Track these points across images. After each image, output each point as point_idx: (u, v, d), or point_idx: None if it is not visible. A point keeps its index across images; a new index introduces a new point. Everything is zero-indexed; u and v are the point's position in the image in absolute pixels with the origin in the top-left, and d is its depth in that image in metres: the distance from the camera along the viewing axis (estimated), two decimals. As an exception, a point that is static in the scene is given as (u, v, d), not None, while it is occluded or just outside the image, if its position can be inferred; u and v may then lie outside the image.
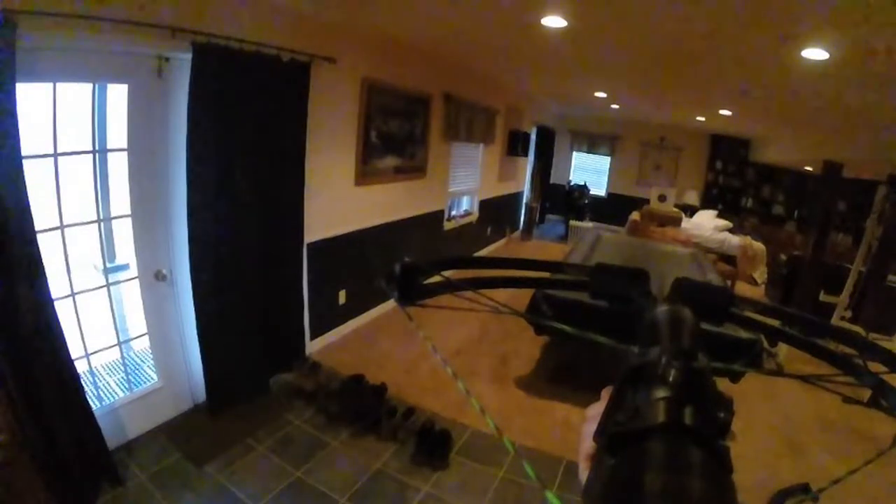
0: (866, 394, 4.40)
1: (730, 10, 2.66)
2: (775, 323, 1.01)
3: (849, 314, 5.17)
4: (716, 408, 0.54)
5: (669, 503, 0.41)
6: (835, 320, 4.96)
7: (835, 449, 3.73)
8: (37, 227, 2.19)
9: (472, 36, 4.30)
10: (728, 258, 7.91)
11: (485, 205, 8.18)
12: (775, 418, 4.09)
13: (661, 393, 0.54)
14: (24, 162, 2.09)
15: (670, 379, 0.55)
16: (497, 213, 8.90)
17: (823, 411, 4.27)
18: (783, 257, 7.15)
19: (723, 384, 3.96)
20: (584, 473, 0.55)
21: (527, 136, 9.44)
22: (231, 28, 2.96)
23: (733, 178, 11.17)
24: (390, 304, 5.56)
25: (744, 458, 3.46)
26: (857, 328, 4.67)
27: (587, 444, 0.57)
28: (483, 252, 8.52)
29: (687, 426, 0.49)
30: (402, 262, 1.06)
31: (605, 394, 0.64)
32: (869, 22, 2.37)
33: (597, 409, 0.62)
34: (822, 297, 5.52)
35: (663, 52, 3.85)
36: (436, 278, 1.04)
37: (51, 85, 2.37)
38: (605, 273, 0.99)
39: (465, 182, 7.43)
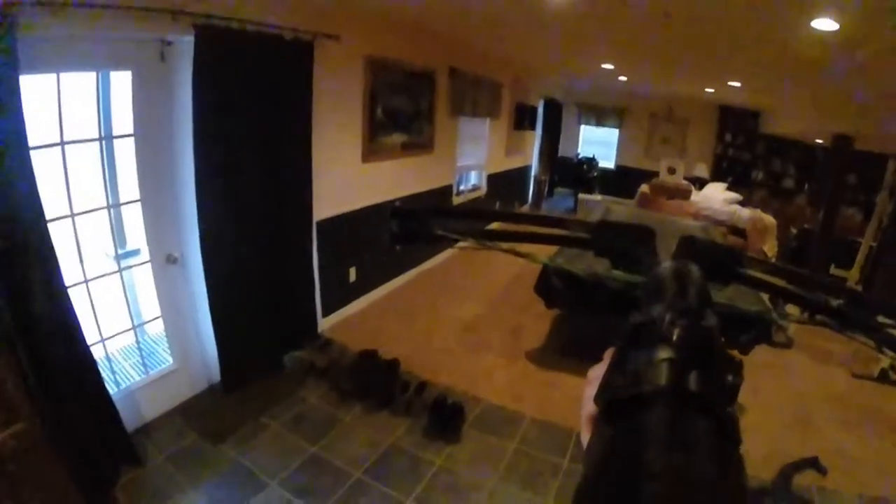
0: (876, 368, 4.41)
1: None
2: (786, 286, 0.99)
3: (860, 288, 5.15)
4: (723, 371, 0.51)
5: (669, 486, 0.39)
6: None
7: (844, 423, 3.74)
8: (48, 216, 2.20)
9: (475, 8, 4.23)
10: (738, 231, 7.85)
11: (493, 179, 8.15)
12: (784, 392, 4.10)
13: (664, 354, 0.50)
14: (32, 153, 2.10)
15: (674, 338, 0.51)
16: (505, 187, 8.87)
17: (832, 386, 4.28)
18: (793, 230, 7.10)
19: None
20: (585, 437, 0.53)
21: (534, 110, 9.34)
22: (232, 8, 2.92)
23: (743, 151, 11.00)
24: (400, 280, 5.60)
25: (753, 432, 3.48)
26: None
27: (588, 408, 0.54)
28: (492, 227, 8.47)
29: (691, 392, 0.46)
30: (398, 207, 1.06)
31: (608, 355, 0.60)
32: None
33: (599, 371, 0.59)
34: (833, 270, 5.50)
35: (671, 22, 3.78)
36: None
37: (54, 75, 2.36)
38: (608, 229, 0.96)
39: (472, 157, 7.39)
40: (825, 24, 2.96)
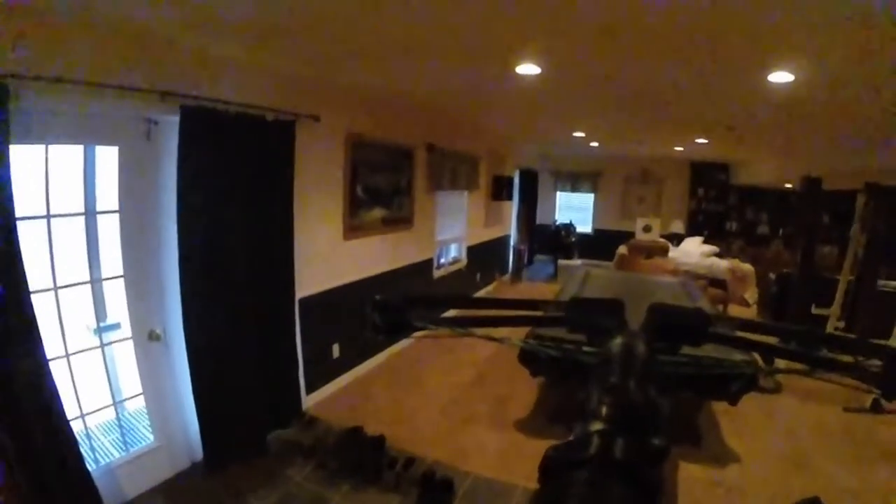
0: (867, 400, 4.41)
1: (693, 49, 2.79)
2: (768, 339, 1.03)
3: (842, 324, 5.22)
4: (651, 437, 0.58)
5: None
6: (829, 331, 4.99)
7: (842, 459, 3.72)
8: (31, 289, 2.21)
9: (450, 88, 4.44)
10: (718, 282, 7.96)
11: (473, 250, 8.25)
12: (778, 435, 4.08)
13: (595, 426, 0.58)
14: (18, 223, 2.14)
15: (602, 413, 0.59)
16: (486, 257, 8.96)
17: (826, 423, 4.27)
18: (772, 276, 7.22)
19: (722, 406, 3.91)
20: None
21: (510, 181, 9.60)
22: (217, 90, 3.08)
23: (716, 203, 11.41)
24: (384, 355, 5.55)
25: (751, 479, 3.46)
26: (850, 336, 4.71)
27: None
28: (470, 313, 8.48)
29: (616, 459, 0.52)
30: (379, 300, 1.10)
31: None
32: (832, 42, 2.50)
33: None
34: (814, 310, 5.56)
35: (633, 91, 4.00)
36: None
37: (42, 147, 2.44)
38: (580, 306, 1.02)
39: (452, 230, 7.51)
40: (781, 76, 3.16)
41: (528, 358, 3.80)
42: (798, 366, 0.94)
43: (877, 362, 0.85)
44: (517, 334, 2.54)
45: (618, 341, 0.75)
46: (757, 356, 3.40)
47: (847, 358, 0.90)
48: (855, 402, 4.48)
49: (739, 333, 0.97)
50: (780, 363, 1.37)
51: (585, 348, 0.96)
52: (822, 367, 0.92)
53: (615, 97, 4.47)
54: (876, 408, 4.34)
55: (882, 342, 3.59)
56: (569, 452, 0.56)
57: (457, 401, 4.68)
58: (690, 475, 3.43)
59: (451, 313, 2.00)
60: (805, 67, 3.00)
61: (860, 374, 0.87)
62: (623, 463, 0.51)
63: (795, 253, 6.21)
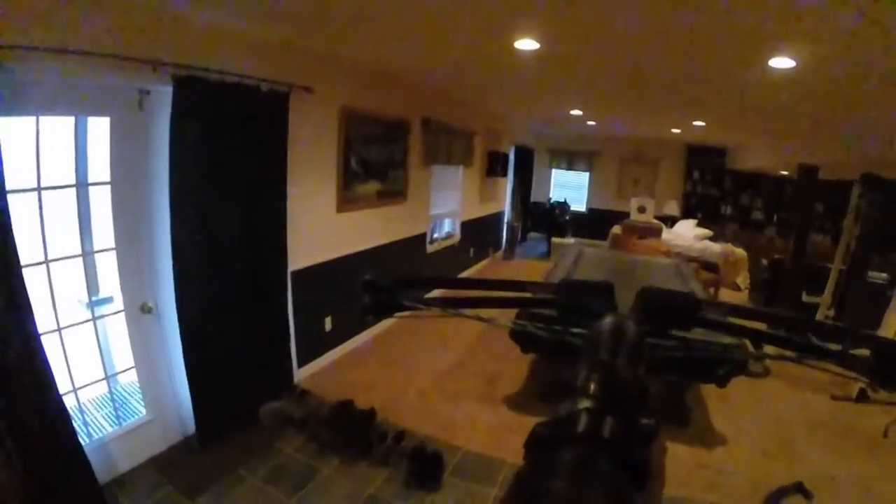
0: (854, 389, 4.47)
1: (696, 30, 2.75)
2: (757, 325, 1.03)
3: (832, 313, 5.26)
4: (640, 416, 0.57)
5: None
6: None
7: (826, 446, 3.77)
8: (22, 262, 2.18)
9: (447, 61, 4.37)
10: (710, 266, 7.99)
11: (467, 226, 8.24)
12: (765, 420, 4.13)
13: (583, 404, 0.58)
14: (9, 196, 2.09)
15: (590, 391, 0.59)
16: (479, 233, 8.96)
17: (813, 410, 4.33)
18: (764, 262, 7.26)
19: (710, 389, 3.96)
20: None
21: (505, 157, 9.55)
22: (210, 60, 3.01)
23: (711, 187, 11.40)
24: (376, 329, 5.57)
25: (737, 462, 3.51)
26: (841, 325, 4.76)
27: None
28: (467, 273, 8.55)
29: (604, 438, 0.52)
30: (370, 280, 1.09)
31: None
32: (833, 28, 2.47)
33: None
34: (805, 298, 5.61)
35: (634, 69, 3.95)
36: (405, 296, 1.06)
37: (33, 118, 2.39)
38: (569, 289, 1.02)
39: (446, 205, 7.49)
40: (782, 62, 3.12)
41: (518, 334, 3.83)
42: (787, 352, 0.95)
43: (865, 352, 0.86)
44: (508, 313, 2.57)
45: (607, 320, 0.75)
46: (746, 341, 3.44)
47: (836, 347, 0.91)
48: (842, 390, 4.54)
49: (729, 319, 0.97)
50: (769, 349, 1.39)
51: (575, 329, 0.96)
52: (811, 354, 0.93)
53: (615, 77, 4.42)
54: (862, 397, 4.41)
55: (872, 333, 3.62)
56: (556, 429, 0.56)
57: (448, 376, 4.71)
58: (677, 456, 3.48)
59: (442, 292, 2.01)
60: (807, 54, 2.96)
61: (850, 362, 0.88)
62: (611, 441, 0.51)
63: (788, 240, 6.23)
